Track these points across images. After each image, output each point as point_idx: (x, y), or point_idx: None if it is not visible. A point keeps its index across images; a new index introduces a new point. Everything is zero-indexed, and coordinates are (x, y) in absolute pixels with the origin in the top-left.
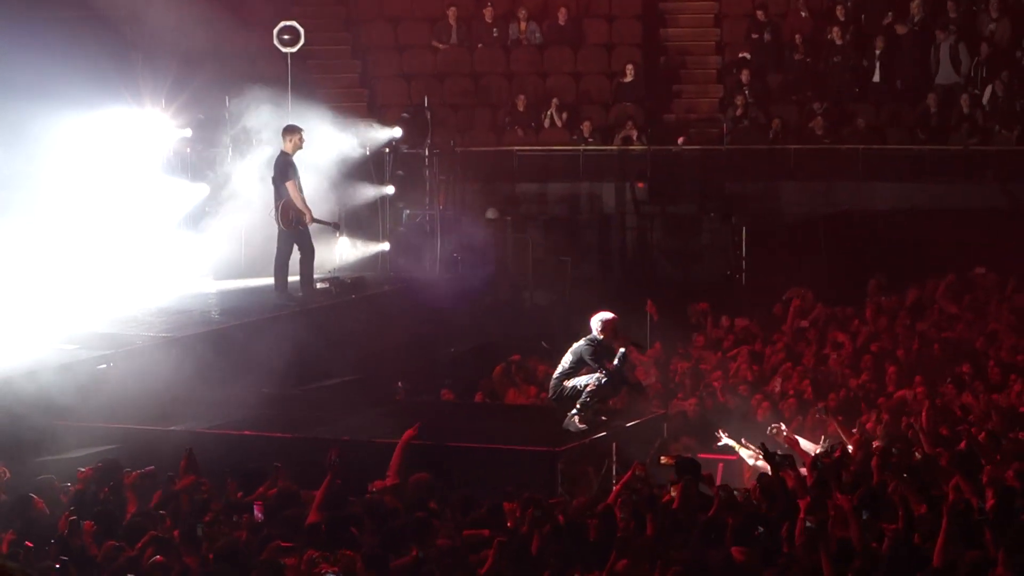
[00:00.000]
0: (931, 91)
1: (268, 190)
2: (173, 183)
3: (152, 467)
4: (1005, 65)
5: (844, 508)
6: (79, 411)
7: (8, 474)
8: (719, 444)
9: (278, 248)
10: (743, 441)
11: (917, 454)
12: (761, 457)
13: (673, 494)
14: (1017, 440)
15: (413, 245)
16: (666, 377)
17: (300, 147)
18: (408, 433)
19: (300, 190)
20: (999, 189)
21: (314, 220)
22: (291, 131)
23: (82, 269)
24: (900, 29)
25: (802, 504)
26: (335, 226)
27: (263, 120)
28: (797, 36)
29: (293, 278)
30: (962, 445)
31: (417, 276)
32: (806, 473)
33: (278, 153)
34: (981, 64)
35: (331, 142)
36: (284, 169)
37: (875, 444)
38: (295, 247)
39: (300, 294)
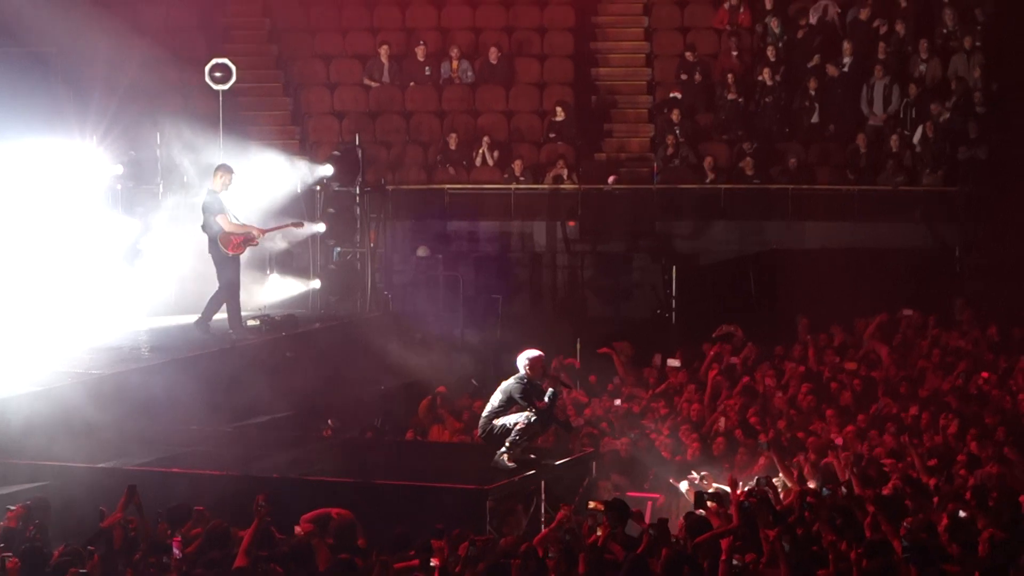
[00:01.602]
0: (861, 131)
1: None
2: (105, 218)
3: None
4: (935, 107)
5: (770, 543)
6: (8, 447)
7: None
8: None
9: (225, 278)
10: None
11: (844, 493)
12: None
13: (599, 534)
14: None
15: (344, 282)
16: (596, 415)
17: (228, 186)
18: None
19: (231, 221)
20: (926, 229)
21: (266, 231)
22: (222, 170)
23: (11, 304)
24: (831, 70)
25: (724, 544)
26: (295, 224)
27: (194, 157)
28: (728, 76)
29: (220, 316)
30: (888, 488)
31: (347, 313)
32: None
33: (205, 191)
34: (911, 105)
35: (262, 179)
36: (212, 206)
37: (808, 484)
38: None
39: (230, 331)
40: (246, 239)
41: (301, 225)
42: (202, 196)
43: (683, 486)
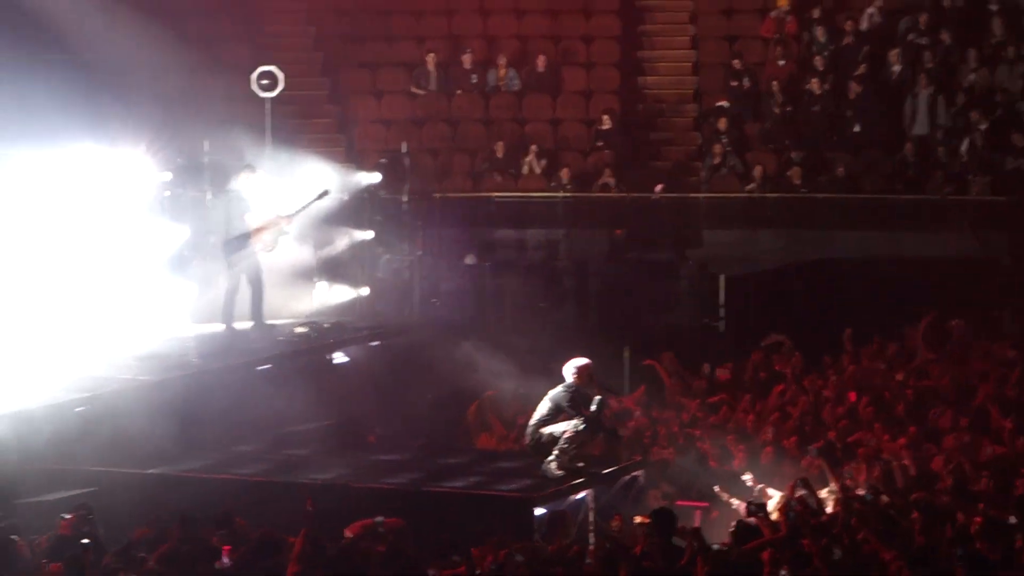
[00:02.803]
0: (907, 140)
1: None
2: (153, 225)
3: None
4: (982, 115)
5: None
6: (56, 454)
7: None
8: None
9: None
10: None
11: (887, 500)
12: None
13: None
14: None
15: (392, 290)
16: (646, 424)
17: (250, 185)
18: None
19: (254, 216)
20: (974, 238)
21: (291, 217)
22: (246, 169)
23: (60, 311)
24: (875, 79)
25: (765, 556)
26: (321, 194)
27: (241, 165)
28: (775, 84)
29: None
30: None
31: (396, 321)
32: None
33: (229, 192)
34: (958, 114)
35: (309, 188)
36: (239, 203)
37: (857, 492)
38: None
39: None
40: (274, 232)
41: (327, 193)
42: (228, 196)
43: (734, 500)
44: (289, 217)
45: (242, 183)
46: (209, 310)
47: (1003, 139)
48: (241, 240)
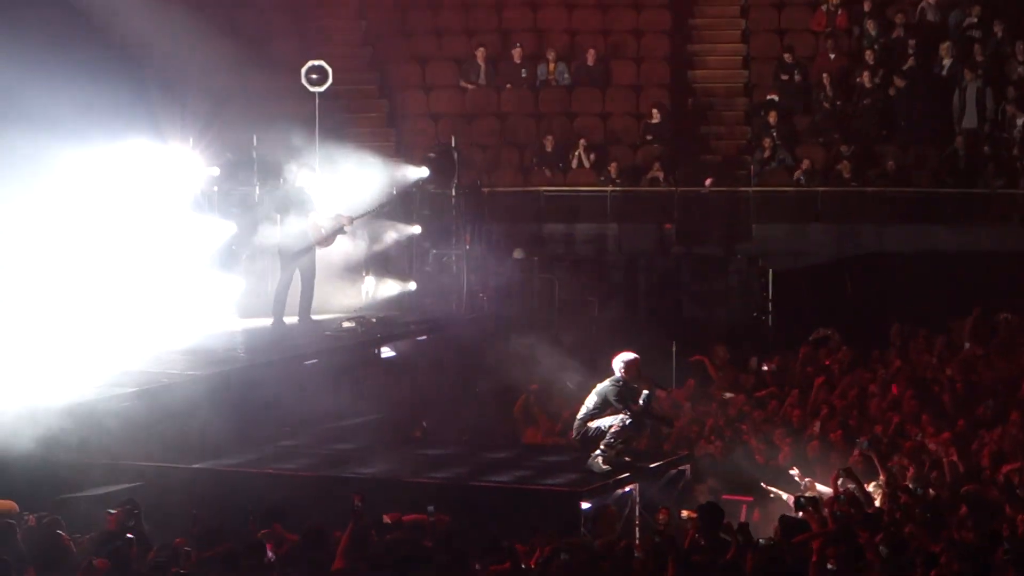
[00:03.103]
0: (958, 134)
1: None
2: (201, 221)
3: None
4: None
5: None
6: (103, 447)
7: (33, 520)
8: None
9: (302, 279)
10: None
11: (935, 495)
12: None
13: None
14: None
15: (439, 285)
16: (694, 418)
17: (306, 180)
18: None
19: (315, 213)
20: None
21: (354, 220)
22: (299, 164)
23: (108, 305)
24: (927, 72)
25: (815, 546)
26: (383, 206)
27: (291, 160)
28: (825, 78)
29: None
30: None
31: (443, 316)
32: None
33: (287, 185)
34: (1007, 107)
35: (358, 182)
36: (302, 202)
37: (904, 484)
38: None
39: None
40: (334, 230)
41: (391, 201)
42: (285, 191)
43: (782, 494)
44: (352, 219)
45: (301, 179)
46: (256, 305)
47: None
48: (301, 237)
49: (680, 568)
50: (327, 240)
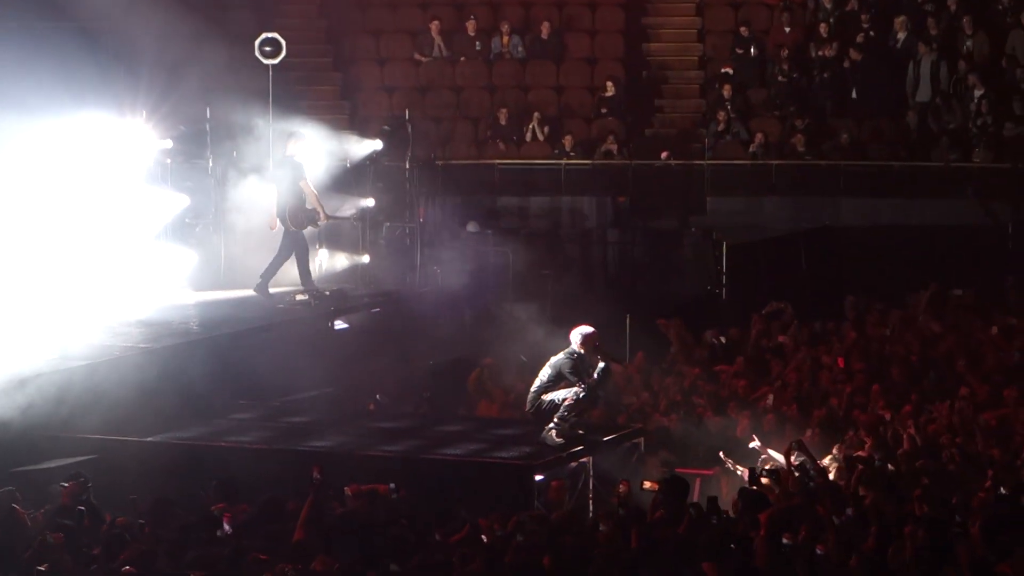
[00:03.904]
0: (911, 107)
1: (250, 200)
2: (154, 193)
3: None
4: (985, 82)
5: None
6: (56, 421)
7: None
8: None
9: (282, 248)
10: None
11: (892, 468)
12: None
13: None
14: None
15: (393, 258)
16: (647, 391)
17: (302, 152)
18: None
19: (307, 184)
20: (978, 206)
21: (329, 217)
22: (295, 136)
23: (61, 278)
24: (881, 45)
25: (763, 519)
26: (353, 219)
27: (244, 132)
28: (781, 51)
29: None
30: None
31: (397, 289)
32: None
33: (281, 157)
34: (960, 81)
35: (312, 154)
36: (294, 171)
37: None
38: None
39: (304, 291)
40: (309, 218)
41: (356, 218)
42: (281, 161)
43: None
44: (326, 215)
45: (293, 149)
46: (210, 278)
47: (1006, 107)
48: (311, 213)
49: (644, 540)
50: (301, 224)
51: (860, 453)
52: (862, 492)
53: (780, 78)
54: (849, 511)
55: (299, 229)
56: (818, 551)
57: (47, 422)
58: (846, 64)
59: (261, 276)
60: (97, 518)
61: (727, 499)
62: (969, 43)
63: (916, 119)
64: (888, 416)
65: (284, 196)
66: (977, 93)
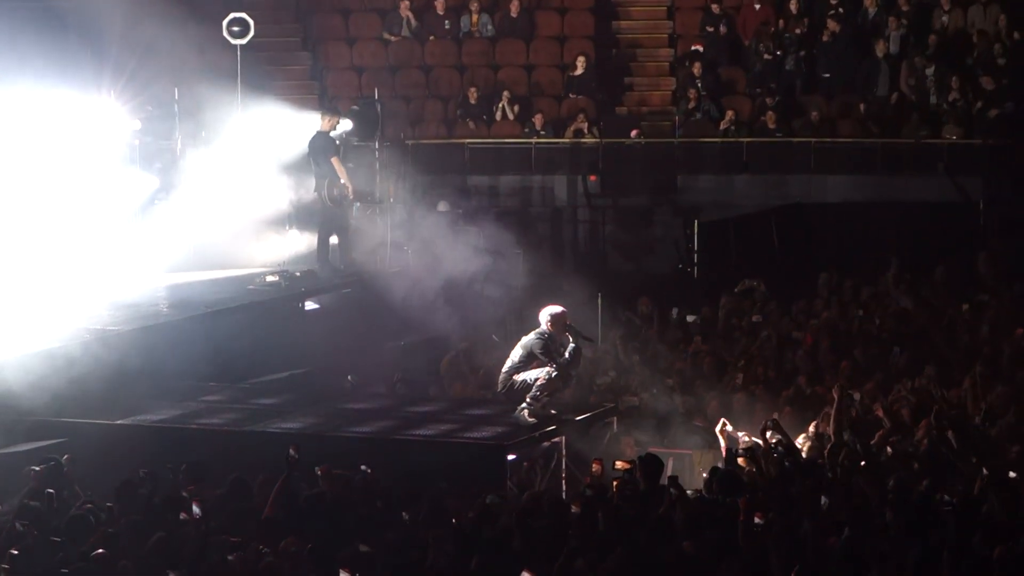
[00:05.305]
0: (881, 85)
1: (217, 181)
2: (123, 174)
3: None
4: (956, 59)
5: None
6: (26, 405)
7: None
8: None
9: (321, 225)
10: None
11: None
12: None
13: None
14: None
15: (364, 238)
16: (619, 370)
17: (335, 127)
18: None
19: (343, 165)
20: (950, 182)
21: (356, 196)
22: (331, 112)
23: (29, 261)
24: (851, 22)
25: (742, 503)
26: (379, 201)
27: (213, 112)
28: (751, 29)
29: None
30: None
31: (367, 269)
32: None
33: (315, 133)
34: (931, 57)
35: (281, 134)
36: (326, 147)
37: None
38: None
39: (341, 266)
40: (341, 195)
41: (382, 202)
42: (312, 137)
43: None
44: (354, 192)
45: (327, 126)
46: (179, 259)
47: (974, 83)
48: (343, 190)
49: (611, 521)
50: (336, 200)
51: (829, 431)
52: (840, 471)
53: (766, 56)
54: (826, 492)
55: (335, 206)
56: (796, 530)
57: (16, 405)
58: (825, 38)
59: (317, 261)
60: (68, 502)
61: (699, 479)
62: (944, 19)
63: (887, 95)
64: (856, 395)
65: (320, 172)
66: (945, 69)
